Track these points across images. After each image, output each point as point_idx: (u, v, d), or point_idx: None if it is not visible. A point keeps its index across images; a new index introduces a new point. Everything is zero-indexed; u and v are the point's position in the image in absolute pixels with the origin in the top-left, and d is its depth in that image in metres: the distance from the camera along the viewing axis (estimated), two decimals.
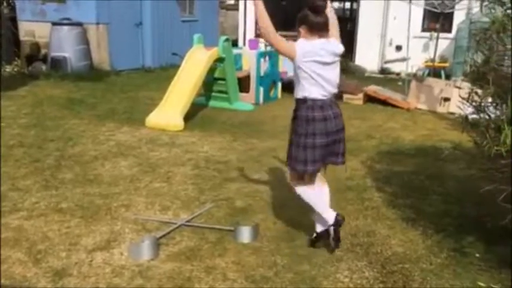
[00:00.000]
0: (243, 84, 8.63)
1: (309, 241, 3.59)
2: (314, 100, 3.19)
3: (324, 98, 3.21)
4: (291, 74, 9.39)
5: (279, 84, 9.35)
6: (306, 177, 3.42)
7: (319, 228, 3.53)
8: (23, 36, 11.41)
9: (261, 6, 3.16)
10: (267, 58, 8.88)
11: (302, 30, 3.22)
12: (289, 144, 3.36)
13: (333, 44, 3.26)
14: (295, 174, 3.42)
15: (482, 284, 3.17)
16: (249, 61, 8.66)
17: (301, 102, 3.24)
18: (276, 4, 15.54)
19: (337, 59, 3.28)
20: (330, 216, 3.40)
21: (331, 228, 3.40)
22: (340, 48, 3.30)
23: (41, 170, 5.01)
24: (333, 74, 3.26)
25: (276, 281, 3.16)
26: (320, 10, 3.18)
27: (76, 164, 5.21)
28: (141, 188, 4.66)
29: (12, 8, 11.69)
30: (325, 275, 3.27)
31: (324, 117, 3.20)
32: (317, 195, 3.45)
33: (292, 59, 3.22)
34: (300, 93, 3.25)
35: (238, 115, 7.88)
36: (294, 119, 3.33)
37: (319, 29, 3.18)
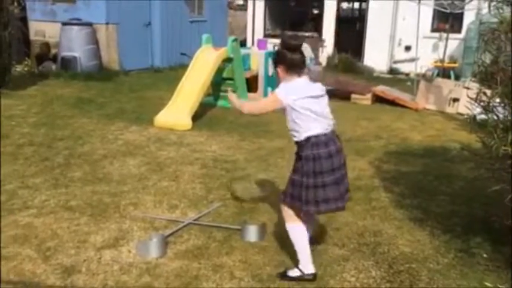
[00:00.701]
0: (251, 84, 8.65)
1: (278, 274, 3.26)
2: (317, 136, 3.05)
3: (326, 131, 3.09)
4: None
5: None
6: (302, 216, 3.21)
7: (295, 271, 3.22)
8: (33, 36, 11.52)
9: (246, 107, 3.43)
10: None
11: (280, 70, 3.13)
12: (292, 183, 3.14)
13: (315, 85, 3.19)
14: (292, 214, 3.18)
15: (489, 284, 3.16)
16: (257, 61, 8.68)
17: (305, 141, 3.07)
18: (284, 5, 15.57)
19: (324, 92, 3.18)
20: (306, 265, 3.18)
21: (297, 271, 3.19)
22: (322, 87, 3.20)
23: (50, 168, 5.06)
24: (325, 107, 3.14)
25: (283, 280, 3.17)
26: (296, 48, 3.10)
27: (85, 163, 5.25)
28: (149, 186, 4.69)
29: (23, 8, 11.79)
30: (331, 274, 3.28)
31: (319, 156, 3.04)
32: (306, 241, 3.20)
33: (281, 106, 3.08)
34: (302, 135, 3.07)
35: (246, 115, 7.82)
36: (297, 160, 3.14)
37: (298, 66, 3.10)
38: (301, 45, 3.17)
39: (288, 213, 3.20)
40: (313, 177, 3.04)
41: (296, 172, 3.13)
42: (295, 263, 3.23)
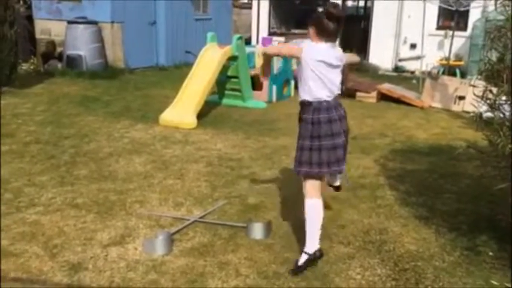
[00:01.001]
0: (256, 82, 8.65)
1: (290, 271, 3.26)
2: (320, 102, 3.18)
3: (329, 99, 3.20)
4: None
5: (292, 82, 9.35)
6: (318, 188, 3.29)
7: (303, 257, 3.30)
8: (39, 35, 11.56)
9: (269, 50, 3.43)
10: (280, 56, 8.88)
11: (311, 31, 3.22)
12: (296, 148, 3.31)
13: (337, 50, 3.28)
14: (310, 189, 3.26)
15: (495, 282, 3.16)
16: (262, 59, 8.66)
17: (307, 104, 3.23)
18: (289, 3, 15.55)
19: (342, 63, 3.27)
20: (312, 245, 3.28)
21: (304, 255, 3.28)
22: (343, 56, 3.32)
23: (56, 166, 5.08)
24: (337, 76, 3.25)
25: (288, 278, 3.18)
26: (333, 17, 3.15)
27: (91, 161, 5.27)
28: (154, 184, 4.71)
29: (29, 7, 11.84)
30: (337, 272, 3.28)
31: (329, 119, 3.18)
32: (319, 219, 3.28)
33: (299, 55, 3.20)
34: (305, 95, 3.22)
35: (251, 113, 7.90)
36: (299, 122, 3.30)
37: (328, 35, 3.17)
38: (341, 16, 3.19)
39: (306, 187, 3.29)
40: (310, 140, 3.20)
41: (298, 136, 3.29)
42: (301, 246, 3.33)
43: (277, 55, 3.20)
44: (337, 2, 3.46)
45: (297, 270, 3.24)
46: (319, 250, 3.32)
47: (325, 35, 3.18)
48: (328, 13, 3.17)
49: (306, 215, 3.28)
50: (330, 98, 3.21)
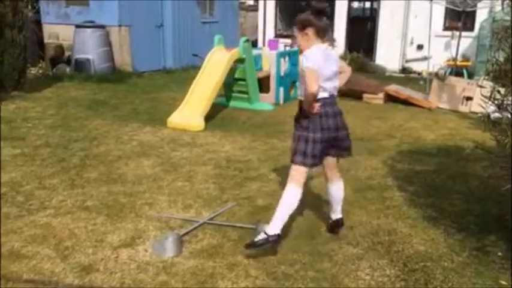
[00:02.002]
0: (263, 84, 8.68)
1: (245, 245, 3.43)
2: (326, 98, 3.36)
3: (329, 95, 3.37)
4: None
5: (299, 84, 9.36)
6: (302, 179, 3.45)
7: (261, 235, 3.38)
8: (47, 39, 11.67)
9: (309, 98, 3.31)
10: (286, 58, 8.92)
11: (309, 32, 3.30)
12: (292, 140, 3.49)
13: (333, 53, 3.47)
14: (298, 178, 3.43)
15: (504, 283, 3.16)
16: (269, 61, 8.71)
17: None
18: (295, 5, 15.57)
19: (337, 64, 3.46)
20: (275, 228, 3.35)
21: (264, 235, 3.35)
22: (337, 59, 3.49)
23: (66, 169, 5.13)
24: (335, 75, 3.42)
25: (298, 278, 3.20)
26: (322, 12, 3.27)
27: (101, 164, 5.32)
28: (163, 186, 4.74)
29: (37, 11, 11.96)
30: (346, 272, 3.29)
31: (326, 114, 3.34)
32: (294, 206, 3.43)
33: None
34: (304, 93, 3.34)
35: (259, 115, 7.93)
36: (297, 116, 3.46)
37: (327, 31, 3.33)
38: (325, 8, 3.34)
39: (296, 175, 3.43)
40: (307, 132, 3.35)
41: (299, 128, 3.41)
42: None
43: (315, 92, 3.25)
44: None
45: (251, 246, 3.35)
46: (279, 235, 3.37)
47: (325, 31, 3.30)
48: (317, 10, 3.27)
49: (285, 200, 3.40)
50: (327, 94, 3.37)
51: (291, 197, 3.41)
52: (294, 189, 3.42)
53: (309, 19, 3.31)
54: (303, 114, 3.38)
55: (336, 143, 3.49)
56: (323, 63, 3.27)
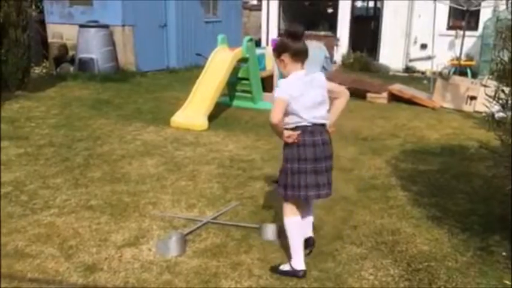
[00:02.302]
0: (267, 83, 8.68)
1: (270, 268, 3.34)
2: (305, 126, 3.10)
3: (310, 124, 3.11)
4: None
5: None
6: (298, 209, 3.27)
7: (287, 266, 3.29)
8: (51, 38, 11.69)
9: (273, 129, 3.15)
10: None
11: (285, 58, 3.11)
12: (280, 172, 3.25)
13: (318, 78, 3.18)
14: (291, 208, 3.25)
15: (508, 283, 3.15)
16: (273, 61, 8.69)
17: (292, 130, 3.13)
18: (298, 4, 15.57)
19: (324, 90, 3.17)
20: (298, 261, 3.23)
21: (288, 266, 3.26)
22: (325, 81, 3.20)
23: (70, 168, 5.14)
24: (321, 104, 3.15)
25: (301, 278, 3.20)
26: (298, 36, 3.10)
27: (104, 163, 5.33)
28: (167, 186, 4.75)
29: (41, 11, 11.99)
30: (350, 272, 3.29)
31: (314, 143, 3.10)
32: (300, 238, 3.29)
33: (286, 103, 3.07)
34: (290, 122, 3.12)
35: (262, 115, 7.90)
36: (284, 146, 3.20)
37: (301, 55, 3.10)
38: (303, 32, 3.13)
39: (286, 207, 3.25)
40: (297, 163, 3.11)
41: (283, 160, 3.19)
42: (288, 257, 3.29)
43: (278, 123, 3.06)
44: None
45: (274, 271, 3.26)
46: (304, 271, 3.22)
47: (300, 54, 3.09)
48: (292, 33, 3.11)
49: (288, 233, 3.25)
50: (314, 120, 3.11)
51: (290, 228, 3.24)
52: (288, 220, 3.24)
53: (283, 44, 3.13)
54: (284, 143, 3.18)
55: (317, 177, 3.14)
56: (301, 91, 3.06)
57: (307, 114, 3.08)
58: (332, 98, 3.26)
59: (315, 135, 3.11)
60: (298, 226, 3.26)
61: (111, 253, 3.46)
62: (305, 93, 3.06)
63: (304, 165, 3.10)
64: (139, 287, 3.09)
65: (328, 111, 3.21)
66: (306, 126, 3.10)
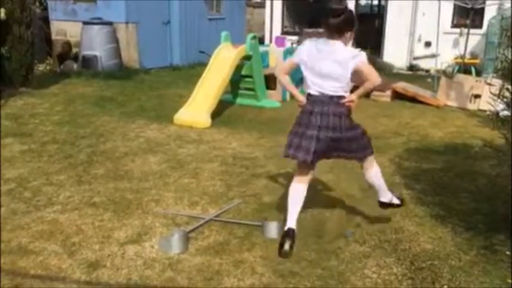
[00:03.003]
0: (270, 81, 8.65)
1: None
2: (310, 95, 3.40)
3: (317, 93, 3.36)
4: None
5: None
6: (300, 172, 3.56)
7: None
8: (54, 36, 11.71)
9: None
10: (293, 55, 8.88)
11: (349, 35, 3.33)
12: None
13: (340, 54, 3.29)
14: (300, 175, 3.57)
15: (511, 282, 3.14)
16: (276, 58, 8.68)
17: (306, 97, 3.47)
18: (302, 2, 15.52)
19: (340, 66, 3.30)
20: (289, 222, 3.51)
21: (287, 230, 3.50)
22: (346, 59, 3.29)
23: (74, 165, 5.15)
24: (329, 76, 3.31)
25: (304, 276, 3.20)
26: (335, 13, 3.23)
27: (107, 160, 5.33)
28: (170, 183, 4.74)
29: (45, 8, 12.00)
30: (352, 270, 3.28)
31: (311, 112, 3.36)
32: (299, 199, 3.54)
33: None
34: (306, 87, 3.45)
35: (265, 112, 7.92)
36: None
37: (330, 30, 3.27)
38: (339, 10, 3.27)
39: (294, 173, 3.60)
40: (296, 127, 3.47)
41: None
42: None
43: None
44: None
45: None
46: (290, 229, 3.47)
47: (328, 31, 3.30)
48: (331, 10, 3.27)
49: (289, 195, 3.55)
50: (318, 93, 3.37)
51: (291, 192, 3.55)
52: (292, 184, 3.57)
53: (351, 18, 3.33)
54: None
55: (336, 145, 3.42)
56: (309, 57, 3.33)
57: (313, 83, 3.35)
58: (363, 78, 3.39)
59: (315, 104, 3.35)
60: (294, 193, 3.53)
61: (114, 250, 3.47)
62: (316, 63, 3.29)
63: (298, 128, 3.44)
64: (142, 284, 3.09)
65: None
66: (310, 94, 3.39)
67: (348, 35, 3.32)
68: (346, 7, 3.28)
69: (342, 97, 3.37)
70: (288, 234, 3.45)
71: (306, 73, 3.37)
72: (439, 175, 5.13)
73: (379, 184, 3.70)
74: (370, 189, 4.64)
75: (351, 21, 3.30)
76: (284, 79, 3.55)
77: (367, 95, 9.02)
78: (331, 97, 3.34)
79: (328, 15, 3.25)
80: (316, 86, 3.35)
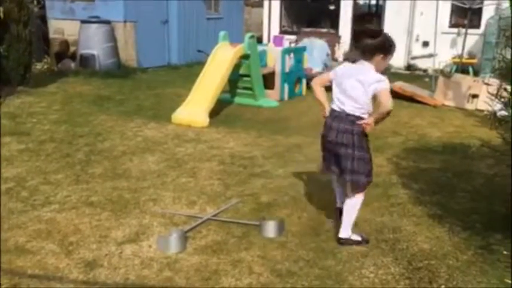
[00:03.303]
0: (268, 80, 8.66)
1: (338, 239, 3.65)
2: (333, 110, 3.51)
3: (338, 109, 3.46)
4: (316, 70, 9.40)
5: (304, 81, 9.35)
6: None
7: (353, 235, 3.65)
8: (52, 34, 11.67)
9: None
10: (291, 55, 8.90)
11: (382, 58, 3.45)
12: (367, 159, 3.57)
13: (364, 74, 3.38)
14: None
15: (509, 281, 3.14)
16: (274, 58, 8.68)
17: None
18: (300, 2, 15.53)
19: (362, 86, 3.37)
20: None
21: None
22: (367, 81, 3.36)
23: (71, 164, 5.14)
24: (350, 96, 3.41)
25: (301, 276, 3.20)
26: (357, 37, 3.50)
27: (105, 159, 5.33)
28: (168, 182, 4.74)
29: (42, 7, 11.96)
30: (350, 270, 3.28)
31: (327, 125, 3.52)
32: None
33: None
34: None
35: (263, 111, 7.92)
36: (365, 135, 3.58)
37: (363, 50, 3.40)
38: (363, 32, 3.52)
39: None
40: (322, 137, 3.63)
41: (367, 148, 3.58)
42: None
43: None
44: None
45: (346, 243, 3.59)
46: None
47: (361, 53, 3.45)
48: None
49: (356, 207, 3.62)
50: (339, 109, 3.47)
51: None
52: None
53: (388, 42, 3.49)
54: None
55: (336, 159, 3.52)
56: (341, 74, 3.48)
57: (337, 99, 3.47)
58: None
59: (333, 119, 3.48)
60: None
61: (112, 249, 3.46)
62: (343, 79, 3.44)
63: (322, 139, 3.62)
64: (140, 284, 3.09)
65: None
66: (333, 109, 3.51)
67: (380, 57, 3.38)
68: (382, 30, 3.49)
69: (359, 118, 3.40)
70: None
71: (334, 88, 3.50)
72: (436, 175, 5.13)
73: (349, 217, 3.59)
74: (369, 188, 4.66)
75: (385, 45, 3.39)
76: (317, 89, 3.67)
77: None
78: (348, 115, 3.42)
79: (365, 36, 3.39)
80: (338, 102, 3.46)
